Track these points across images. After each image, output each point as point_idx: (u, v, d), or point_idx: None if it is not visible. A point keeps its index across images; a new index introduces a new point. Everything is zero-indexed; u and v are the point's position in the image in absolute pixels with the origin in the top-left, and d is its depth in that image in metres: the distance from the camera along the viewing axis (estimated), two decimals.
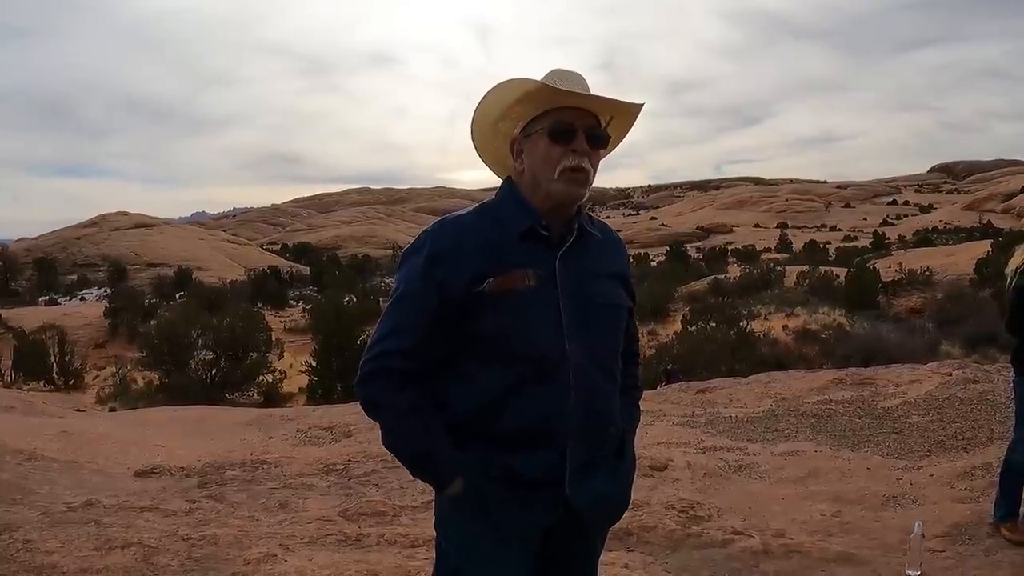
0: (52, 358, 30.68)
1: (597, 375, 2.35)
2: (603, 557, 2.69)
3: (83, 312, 46.89)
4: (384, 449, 2.46)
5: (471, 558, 2.35)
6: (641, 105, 2.41)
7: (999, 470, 5.54)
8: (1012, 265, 5.29)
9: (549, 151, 2.29)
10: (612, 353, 2.43)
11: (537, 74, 2.37)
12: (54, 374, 30.44)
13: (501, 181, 2.48)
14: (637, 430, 2.64)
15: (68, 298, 65.16)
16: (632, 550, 5.33)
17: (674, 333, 32.63)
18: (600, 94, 2.34)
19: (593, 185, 2.35)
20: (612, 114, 2.39)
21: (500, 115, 2.41)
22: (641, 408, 2.73)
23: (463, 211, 2.39)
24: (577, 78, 2.35)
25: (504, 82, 2.36)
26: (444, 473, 2.32)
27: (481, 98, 2.41)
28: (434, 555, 2.52)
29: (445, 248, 2.27)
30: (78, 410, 18.35)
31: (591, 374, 2.32)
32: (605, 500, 2.42)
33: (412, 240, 2.37)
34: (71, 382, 30.43)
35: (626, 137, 2.54)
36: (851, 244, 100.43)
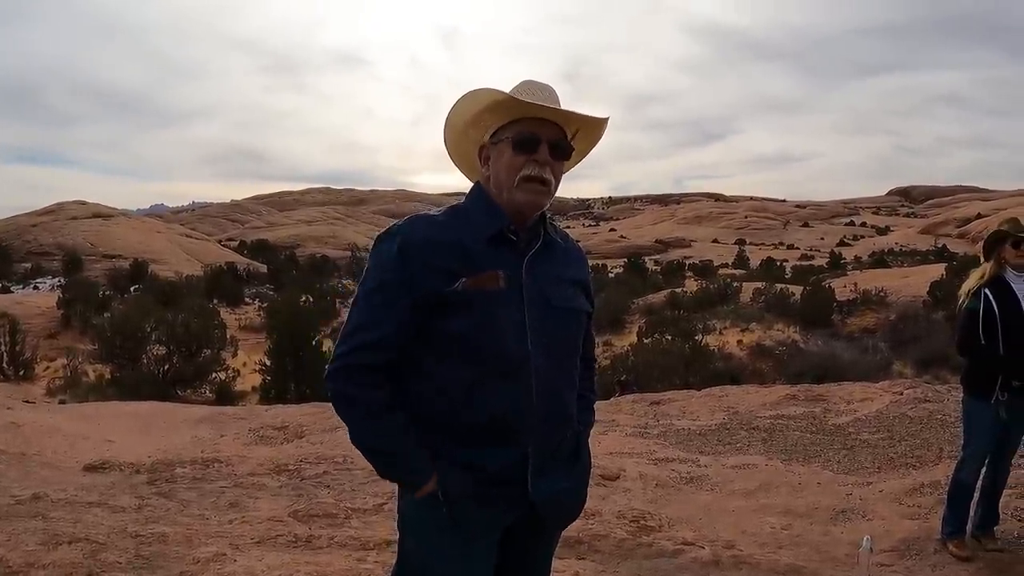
0: (2, 347, 30.23)
1: (557, 377, 2.39)
2: (554, 564, 2.71)
3: (36, 301, 46.25)
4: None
5: (434, 556, 2.36)
6: (606, 119, 2.46)
7: (947, 488, 5.62)
8: (965, 287, 5.38)
9: (512, 160, 2.33)
10: (572, 356, 2.48)
11: (505, 82, 2.42)
12: (4, 364, 29.97)
13: (468, 185, 2.52)
14: (590, 439, 2.66)
15: (21, 286, 64.39)
16: (583, 558, 5.34)
17: (629, 344, 32.78)
18: (567, 108, 2.38)
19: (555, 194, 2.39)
20: (578, 127, 2.43)
21: (470, 122, 2.43)
22: (595, 412, 2.75)
23: (433, 210, 2.42)
24: (548, 90, 2.40)
25: (474, 91, 2.38)
26: (419, 472, 2.31)
27: (453, 104, 2.43)
28: (395, 558, 2.52)
29: (416, 242, 2.28)
30: (27, 401, 18.06)
31: (551, 376, 2.36)
32: (563, 498, 2.45)
33: (382, 231, 2.37)
34: (21, 372, 29.98)
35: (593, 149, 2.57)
36: (808, 263, 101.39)
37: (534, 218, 2.39)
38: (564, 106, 2.39)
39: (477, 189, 2.44)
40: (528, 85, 2.40)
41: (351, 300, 2.40)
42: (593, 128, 2.48)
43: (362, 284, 2.35)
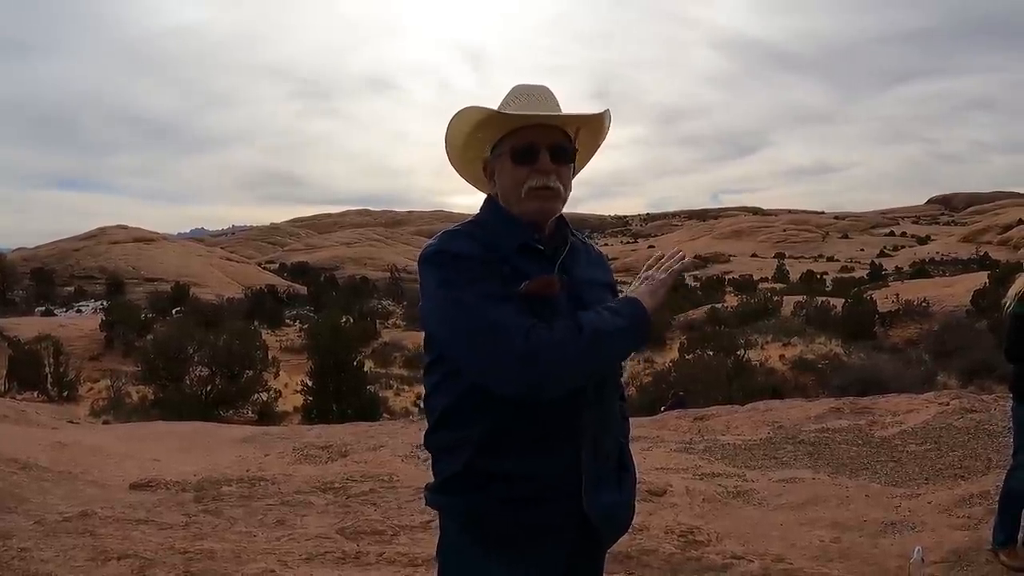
0: (47, 369, 30.61)
1: (606, 383, 2.33)
2: None
3: (79, 324, 46.82)
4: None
5: None
6: (603, 113, 2.39)
7: (997, 497, 5.55)
8: (1012, 292, 5.28)
9: (514, 173, 2.28)
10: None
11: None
12: (48, 385, 30.33)
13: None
14: (635, 456, 2.59)
15: (64, 310, 65.14)
16: (632, 573, 5.32)
17: (671, 361, 32.65)
18: (563, 111, 2.33)
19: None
20: (579, 125, 2.37)
21: (464, 143, 2.39)
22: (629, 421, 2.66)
23: (452, 226, 2.32)
24: (542, 92, 2.34)
25: (462, 111, 2.31)
26: (633, 315, 2.23)
27: (447, 126, 2.37)
28: None
29: (468, 250, 2.19)
30: (71, 422, 18.26)
31: (601, 382, 2.30)
32: (616, 510, 2.36)
33: (429, 249, 2.24)
34: (65, 394, 30.33)
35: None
36: (848, 275, 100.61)
37: (553, 224, 2.34)
38: (565, 108, 2.34)
39: (492, 203, 2.38)
40: (519, 91, 2.35)
41: (438, 321, 2.23)
42: (595, 124, 2.42)
43: (442, 304, 2.17)
